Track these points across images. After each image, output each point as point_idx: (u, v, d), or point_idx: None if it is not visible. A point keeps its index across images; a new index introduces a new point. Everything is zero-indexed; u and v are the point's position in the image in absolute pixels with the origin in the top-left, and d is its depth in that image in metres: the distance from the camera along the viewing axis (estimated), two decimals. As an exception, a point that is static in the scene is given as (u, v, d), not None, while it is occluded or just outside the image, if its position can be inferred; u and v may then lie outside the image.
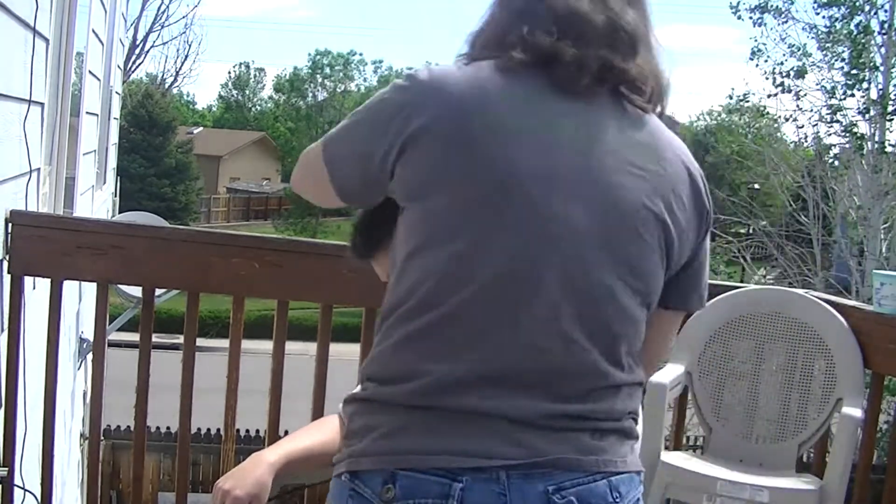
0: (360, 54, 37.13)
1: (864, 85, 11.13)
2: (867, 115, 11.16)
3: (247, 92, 50.94)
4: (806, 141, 12.23)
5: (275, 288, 2.44)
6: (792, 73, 11.47)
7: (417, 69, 1.26)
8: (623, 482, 1.19)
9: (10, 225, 2.28)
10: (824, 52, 11.49)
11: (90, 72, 4.70)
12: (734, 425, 2.68)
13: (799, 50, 11.62)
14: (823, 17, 11.34)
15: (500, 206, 1.16)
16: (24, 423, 2.31)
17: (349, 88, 36.01)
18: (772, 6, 11.73)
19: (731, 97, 13.03)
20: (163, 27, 34.17)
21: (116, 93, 7.56)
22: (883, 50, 11.21)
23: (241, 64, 52.25)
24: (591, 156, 1.19)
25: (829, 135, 11.63)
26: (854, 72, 11.01)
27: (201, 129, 42.59)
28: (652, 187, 1.21)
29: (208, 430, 8.87)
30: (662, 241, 1.22)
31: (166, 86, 36.99)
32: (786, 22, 11.72)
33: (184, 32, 45.74)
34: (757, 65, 11.80)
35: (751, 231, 13.65)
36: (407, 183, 1.21)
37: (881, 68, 11.22)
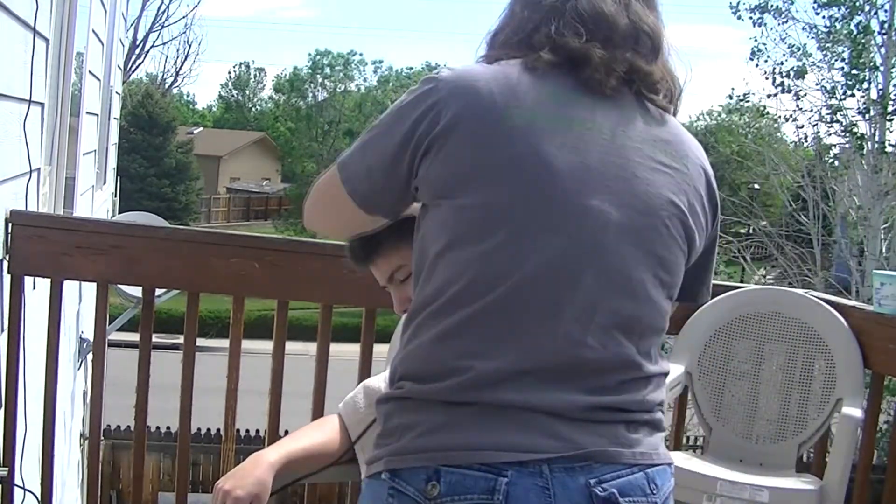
0: (360, 54, 37.13)
1: (864, 85, 11.12)
2: (867, 115, 11.15)
3: (247, 92, 50.96)
4: (806, 141, 12.21)
5: (275, 288, 2.44)
6: (792, 73, 11.46)
7: (439, 70, 1.27)
8: (658, 474, 1.22)
9: (10, 225, 2.28)
10: (824, 52, 11.48)
11: (90, 72, 4.70)
12: (734, 425, 2.68)
13: (799, 50, 11.61)
14: (823, 17, 11.33)
15: (536, 202, 1.18)
16: (24, 423, 2.31)
17: (349, 88, 35.96)
18: (772, 6, 11.72)
19: (731, 97, 13.02)
20: (163, 27, 34.20)
21: (116, 93, 7.56)
22: (883, 50, 11.20)
23: (241, 64, 52.40)
24: (620, 153, 1.22)
25: (829, 135, 11.62)
26: (854, 72, 11.00)
27: (201, 129, 42.60)
28: (676, 184, 1.25)
29: (208, 430, 8.88)
30: (685, 236, 1.26)
31: (166, 86, 36.99)
32: (786, 22, 11.71)
33: (184, 32, 45.93)
34: (757, 65, 11.80)
35: (751, 231, 13.64)
36: (435, 180, 1.21)
37: (881, 68, 11.21)
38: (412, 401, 1.21)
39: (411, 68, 50.29)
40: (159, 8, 35.21)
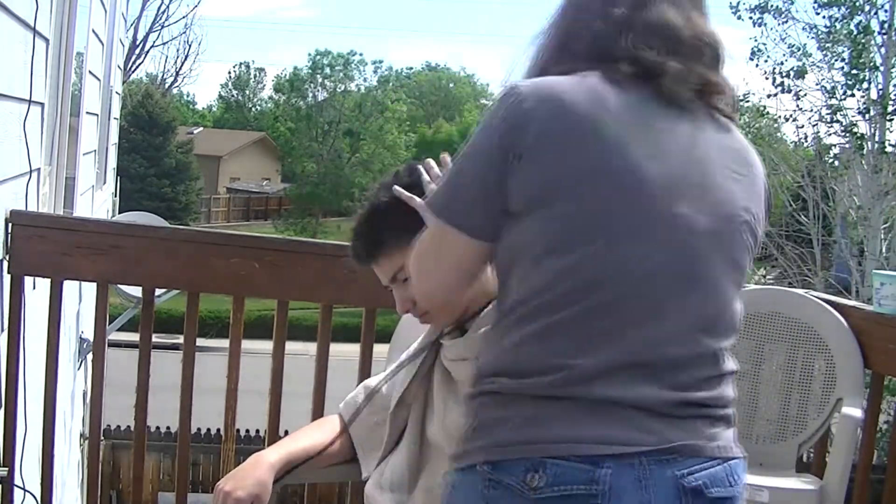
0: (360, 54, 36.90)
1: (864, 85, 11.12)
2: (867, 115, 11.15)
3: (247, 92, 50.94)
4: (806, 141, 12.21)
5: (275, 288, 2.44)
6: (792, 73, 11.45)
7: (516, 84, 1.29)
8: (736, 467, 1.30)
9: (10, 225, 2.28)
10: (824, 52, 11.48)
11: (90, 72, 4.70)
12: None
13: (799, 50, 11.61)
14: (823, 17, 11.33)
15: (630, 210, 1.24)
16: (24, 423, 2.31)
17: (349, 88, 35.84)
18: (772, 6, 11.71)
19: (731, 97, 13.00)
20: (163, 27, 34.18)
21: (116, 93, 7.56)
22: (883, 50, 11.20)
23: (241, 64, 52.33)
24: (699, 162, 1.29)
25: (829, 135, 11.62)
26: (854, 72, 11.00)
27: (201, 129, 42.58)
28: (746, 191, 1.33)
29: (208, 430, 8.87)
30: (752, 242, 1.34)
31: (166, 86, 36.98)
32: (786, 22, 11.71)
33: (184, 32, 45.75)
34: (757, 65, 11.79)
35: (751, 231, 13.60)
36: (527, 190, 1.25)
37: (881, 68, 11.21)
38: (509, 396, 1.25)
39: (411, 68, 50.39)
40: (159, 8, 35.13)
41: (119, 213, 8.17)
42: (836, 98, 11.18)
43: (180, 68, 37.42)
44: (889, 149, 11.16)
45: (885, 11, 11.12)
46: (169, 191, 28.49)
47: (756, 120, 13.70)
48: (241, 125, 47.08)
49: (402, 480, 1.74)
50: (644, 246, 1.24)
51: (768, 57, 11.71)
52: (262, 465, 1.70)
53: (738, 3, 11.86)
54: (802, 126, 11.75)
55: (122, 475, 8.61)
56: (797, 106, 11.54)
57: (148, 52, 33.48)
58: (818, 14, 11.36)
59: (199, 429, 8.58)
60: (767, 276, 13.23)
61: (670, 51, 1.29)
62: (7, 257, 2.27)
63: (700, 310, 1.27)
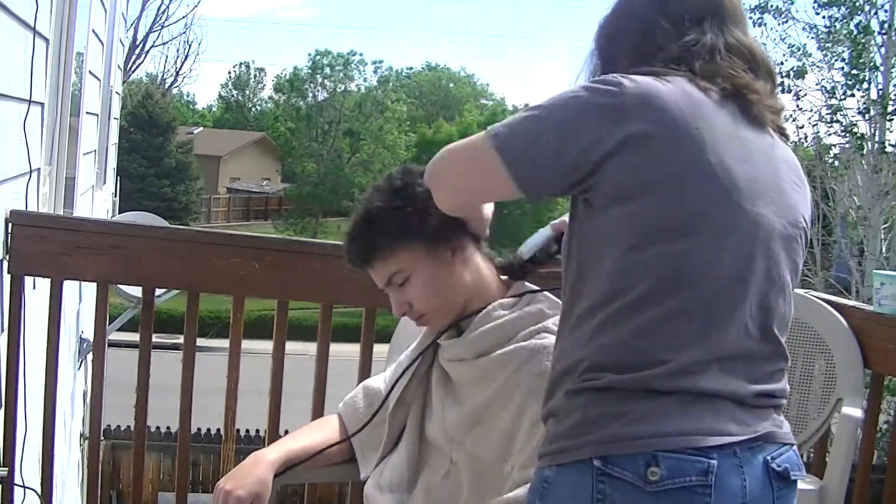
0: (360, 54, 36.86)
1: (864, 85, 11.12)
2: (867, 115, 11.15)
3: (247, 92, 50.96)
4: (806, 141, 12.20)
5: (275, 288, 2.44)
6: (792, 73, 11.44)
7: (617, 76, 1.33)
8: (797, 452, 1.39)
9: (9, 225, 2.28)
10: (824, 52, 11.48)
11: (90, 72, 4.71)
12: (734, 425, 2.68)
13: (799, 50, 11.60)
14: (823, 17, 11.32)
15: (723, 208, 1.31)
16: (24, 423, 2.31)
17: (349, 88, 35.81)
18: (772, 6, 11.71)
19: (731, 97, 13.00)
20: (163, 27, 34.14)
21: (116, 93, 7.56)
22: (883, 50, 11.20)
23: (241, 64, 52.35)
24: (774, 170, 1.39)
25: (829, 135, 11.62)
26: (854, 72, 11.00)
27: (201, 129, 42.59)
28: (804, 201, 1.44)
29: (208, 430, 8.87)
30: (804, 245, 1.44)
31: (166, 86, 36.97)
32: (786, 22, 11.70)
33: (184, 32, 45.85)
34: (757, 65, 11.77)
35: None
36: (621, 183, 1.30)
37: (881, 68, 11.21)
38: (615, 391, 1.28)
39: (411, 68, 50.35)
40: (159, 8, 35.19)
41: (119, 213, 8.17)
42: (836, 98, 11.18)
43: (180, 68, 37.44)
44: (889, 149, 11.16)
45: (885, 11, 11.12)
46: (169, 191, 28.49)
47: (756, 120, 13.68)
48: (241, 125, 47.09)
49: (402, 480, 1.74)
50: (734, 243, 1.31)
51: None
52: (262, 464, 1.70)
53: (739, 3, 11.84)
54: (802, 126, 11.74)
55: (122, 475, 8.61)
56: (797, 106, 11.53)
57: (148, 52, 33.48)
58: (818, 14, 11.36)
59: (199, 429, 8.59)
60: (767, 276, 13.21)
61: (750, 68, 1.41)
62: (7, 257, 2.27)
63: (774, 307, 1.36)
